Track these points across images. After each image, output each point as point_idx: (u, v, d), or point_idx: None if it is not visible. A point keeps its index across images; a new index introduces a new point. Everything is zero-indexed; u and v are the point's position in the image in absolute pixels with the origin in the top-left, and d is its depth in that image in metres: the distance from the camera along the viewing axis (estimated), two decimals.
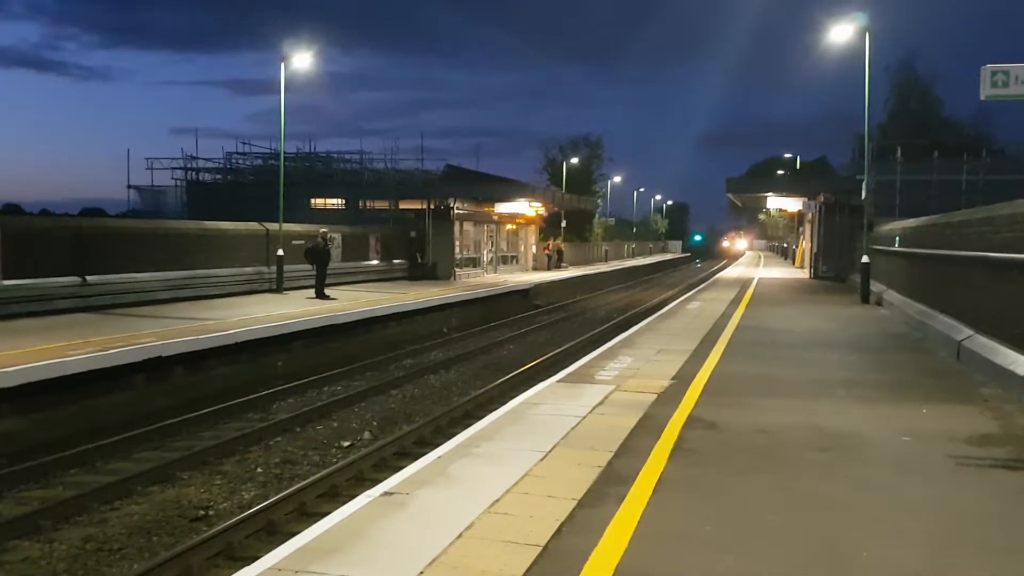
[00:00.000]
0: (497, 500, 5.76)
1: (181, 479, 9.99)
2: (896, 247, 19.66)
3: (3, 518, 8.50)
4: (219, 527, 8.00)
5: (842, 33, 22.76)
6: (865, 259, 22.68)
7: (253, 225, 25.69)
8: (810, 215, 40.62)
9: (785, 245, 75.12)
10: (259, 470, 10.45)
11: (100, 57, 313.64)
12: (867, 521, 5.37)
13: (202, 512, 8.92)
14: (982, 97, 11.52)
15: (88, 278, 18.77)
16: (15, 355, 12.04)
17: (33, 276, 17.45)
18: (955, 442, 7.41)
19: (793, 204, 44.19)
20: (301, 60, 25.51)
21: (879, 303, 21.25)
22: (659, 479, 6.24)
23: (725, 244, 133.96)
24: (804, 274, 39.76)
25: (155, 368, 13.54)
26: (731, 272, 43.80)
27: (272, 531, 8.16)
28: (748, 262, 64.23)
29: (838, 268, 33.38)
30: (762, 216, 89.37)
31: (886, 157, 32.60)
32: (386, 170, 41.81)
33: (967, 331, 12.01)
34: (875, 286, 22.27)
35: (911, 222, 18.96)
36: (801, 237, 51.29)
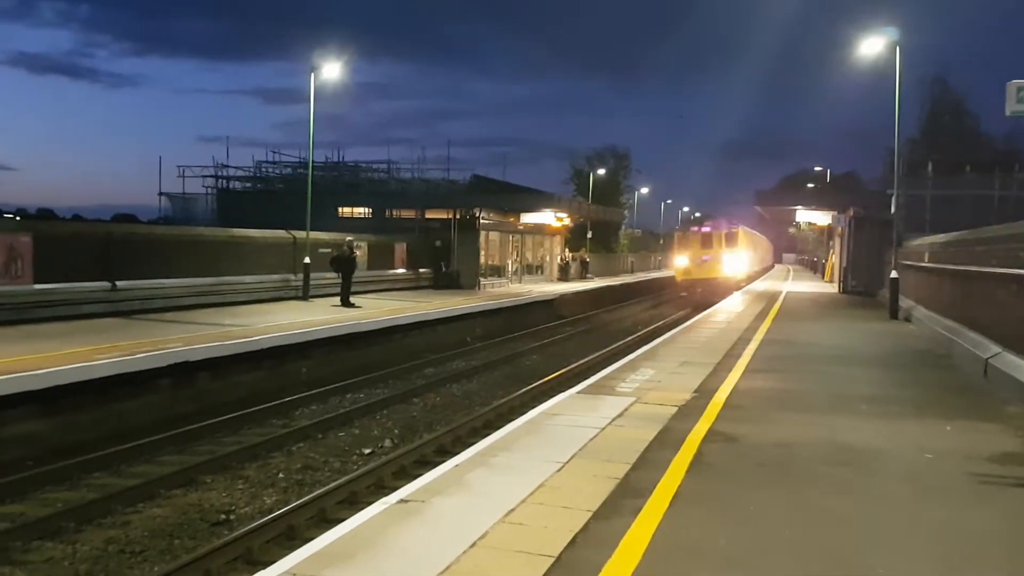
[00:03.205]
0: (512, 510, 5.78)
1: (204, 483, 10.10)
2: (925, 262, 19.45)
3: (28, 519, 8.63)
4: (240, 531, 8.08)
5: (872, 47, 22.58)
6: (894, 274, 22.44)
7: (280, 233, 25.95)
8: (839, 229, 40.27)
9: (815, 259, 74.51)
10: (281, 475, 10.53)
11: (130, 65, 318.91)
12: (883, 538, 5.32)
13: (223, 516, 9.01)
14: (1007, 113, 11.43)
15: (117, 283, 19.04)
16: (43, 358, 12.23)
17: (63, 280, 17.73)
18: (977, 460, 7.32)
19: (822, 218, 43.87)
20: (330, 70, 25.79)
21: (908, 319, 21.01)
22: (676, 492, 6.22)
23: (681, 262, 40.77)
24: (833, 288, 39.39)
25: (181, 373, 13.70)
26: (757, 286, 43.45)
27: (292, 536, 8.21)
28: (776, 277, 63.59)
29: (867, 283, 33.04)
30: (792, 229, 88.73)
31: (917, 172, 32.26)
32: (412, 180, 42.13)
33: (995, 348, 11.85)
34: (904, 301, 22.02)
35: (940, 237, 18.75)
36: (830, 251, 50.85)
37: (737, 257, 40.20)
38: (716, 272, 38.56)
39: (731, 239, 39.69)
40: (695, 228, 40.67)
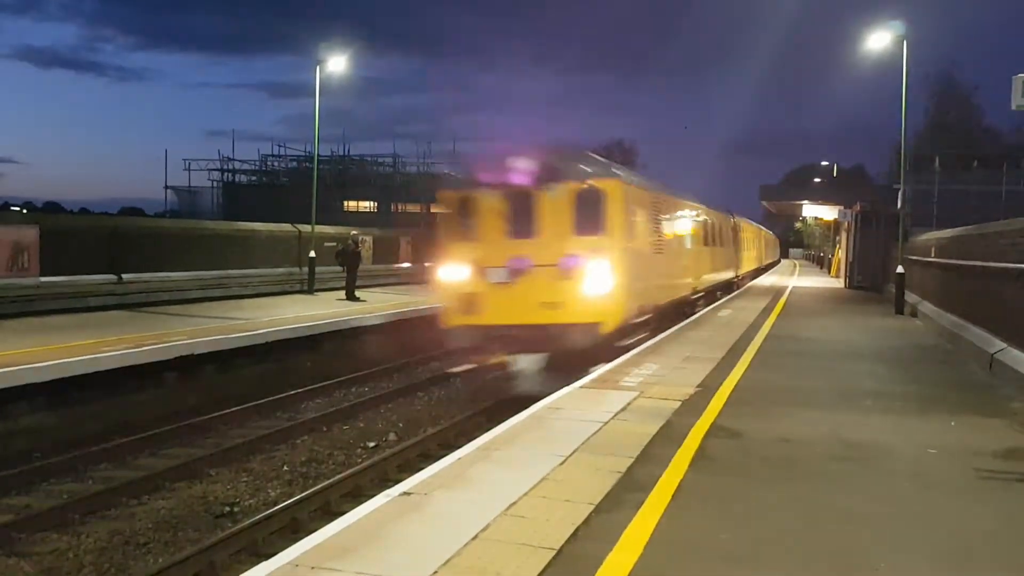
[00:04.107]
0: (514, 503, 5.78)
1: (208, 475, 10.15)
2: (931, 258, 19.39)
3: (33, 511, 8.68)
4: (244, 523, 8.11)
5: (879, 41, 22.48)
6: (900, 269, 22.38)
7: (285, 226, 26.02)
8: (846, 224, 40.13)
9: (821, 254, 74.40)
10: (285, 468, 10.57)
11: (137, 59, 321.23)
12: (886, 534, 5.31)
13: (228, 508, 9.05)
14: (1013, 106, 11.36)
15: (123, 276, 19.12)
16: (49, 351, 12.28)
17: (69, 273, 17.82)
18: (982, 456, 7.29)
19: (828, 212, 43.78)
20: (336, 63, 25.81)
21: (914, 314, 20.94)
22: (678, 486, 6.21)
23: (453, 276, 13.08)
24: (839, 283, 39.26)
25: (186, 366, 13.74)
26: (763, 281, 43.36)
27: (296, 528, 8.25)
28: (782, 272, 63.41)
29: (873, 278, 32.92)
30: (799, 224, 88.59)
31: (924, 166, 32.15)
32: (418, 173, 42.13)
33: (1000, 344, 11.81)
34: (910, 297, 21.96)
35: (946, 232, 18.69)
36: (836, 246, 50.73)
37: (610, 267, 12.81)
38: (556, 310, 12.67)
39: (594, 208, 12.83)
40: (485, 176, 13.07)
